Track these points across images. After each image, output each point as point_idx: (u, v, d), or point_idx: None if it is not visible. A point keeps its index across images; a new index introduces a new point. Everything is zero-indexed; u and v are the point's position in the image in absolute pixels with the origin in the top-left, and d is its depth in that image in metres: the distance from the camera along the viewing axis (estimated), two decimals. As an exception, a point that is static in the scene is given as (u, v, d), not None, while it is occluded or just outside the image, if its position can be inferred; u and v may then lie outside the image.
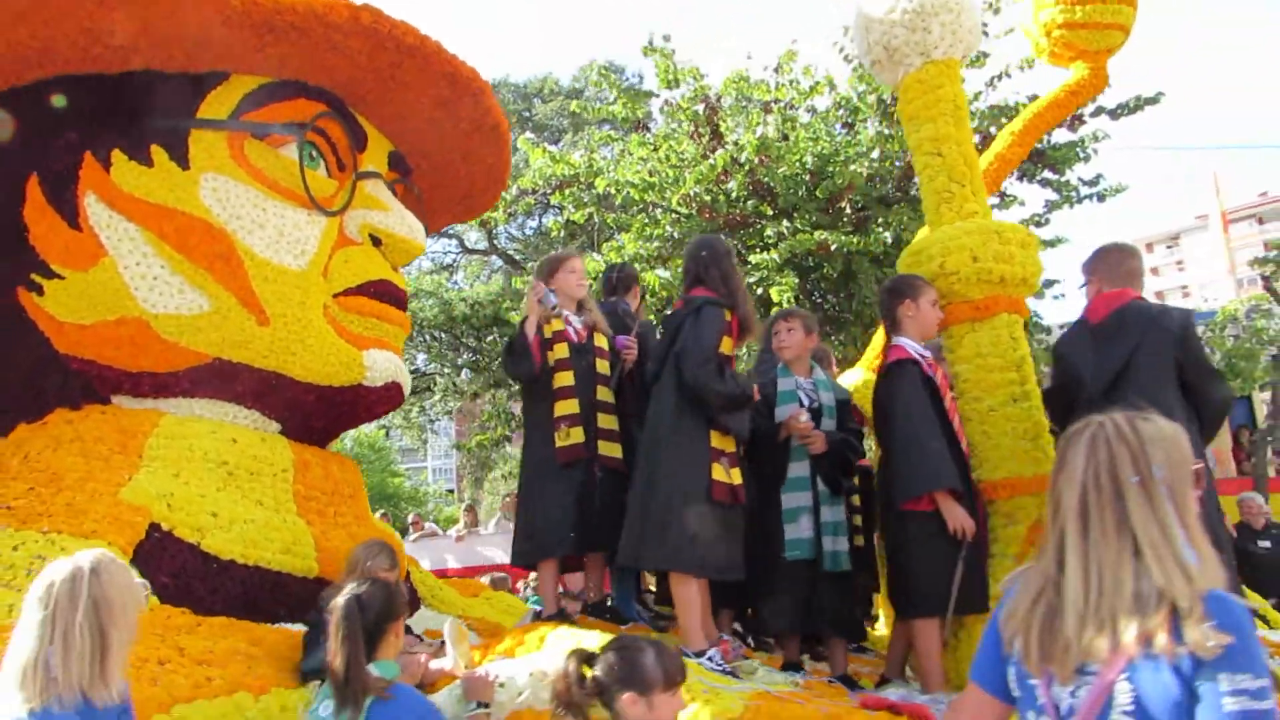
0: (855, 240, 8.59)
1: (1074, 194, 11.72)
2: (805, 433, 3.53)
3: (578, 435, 3.65)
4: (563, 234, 14.21)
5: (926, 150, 3.62)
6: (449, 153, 5.15)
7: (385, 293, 4.60)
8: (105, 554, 2.04)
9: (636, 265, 9.97)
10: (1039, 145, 10.81)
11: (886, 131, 9.80)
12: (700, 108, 9.97)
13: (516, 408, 12.77)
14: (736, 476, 3.29)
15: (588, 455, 3.66)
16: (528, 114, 26.83)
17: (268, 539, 3.90)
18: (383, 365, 4.46)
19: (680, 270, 9.38)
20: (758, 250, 8.71)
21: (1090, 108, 10.54)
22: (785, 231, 8.71)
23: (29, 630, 1.94)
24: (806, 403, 3.66)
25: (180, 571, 3.60)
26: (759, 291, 8.46)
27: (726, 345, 3.34)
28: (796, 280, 8.30)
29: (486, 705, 2.60)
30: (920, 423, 3.18)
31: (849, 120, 10.62)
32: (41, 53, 4.06)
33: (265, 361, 4.16)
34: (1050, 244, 12.78)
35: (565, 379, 3.77)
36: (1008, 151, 5.37)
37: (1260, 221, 50.26)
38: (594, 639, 2.83)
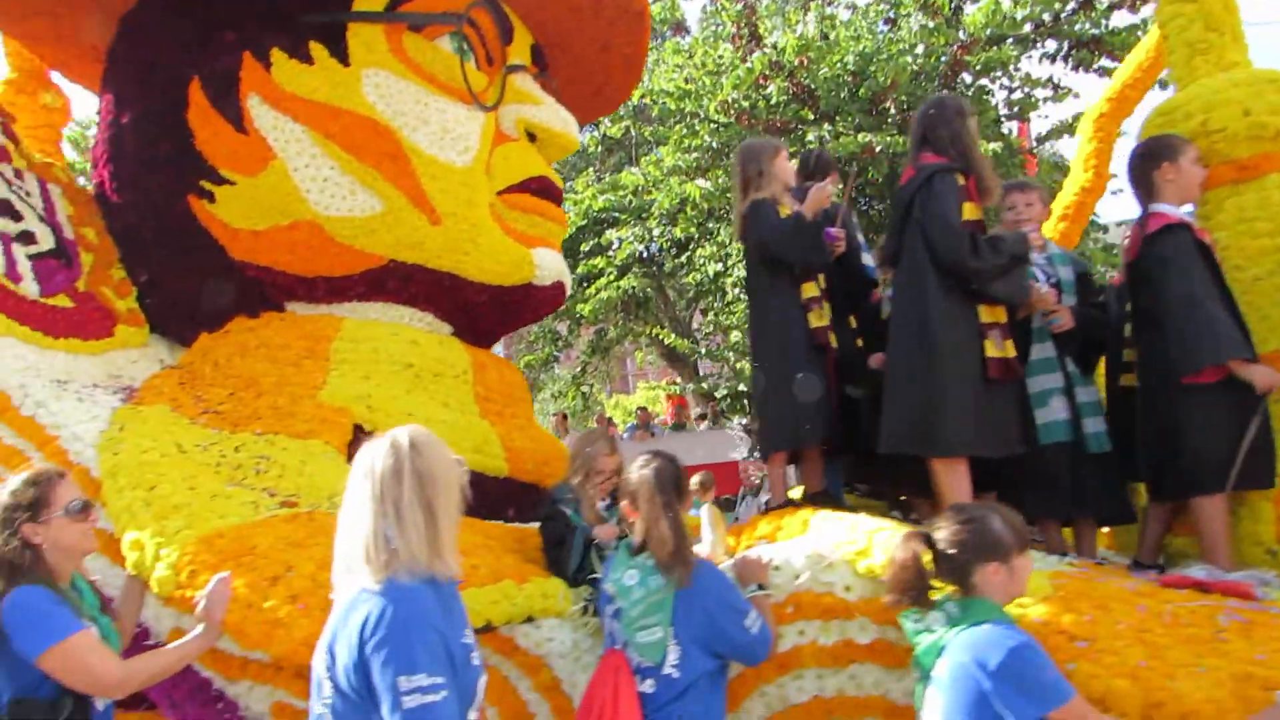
0: (901, 141, 8.18)
1: None
2: (1050, 305, 3.37)
3: (827, 316, 3.53)
4: (599, 149, 13.84)
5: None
6: (588, 44, 4.95)
7: (545, 189, 4.49)
8: (421, 429, 1.98)
9: (675, 179, 9.70)
10: (1097, 31, 10.27)
11: (930, 25, 9.29)
12: (739, 6, 9.52)
13: (562, 328, 12.71)
14: (1010, 349, 3.14)
15: (827, 342, 3.54)
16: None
17: (460, 440, 3.87)
18: (550, 264, 4.38)
19: (721, 180, 9.20)
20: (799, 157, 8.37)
21: None
22: (827, 135, 8.33)
23: (361, 508, 1.90)
24: (1044, 278, 3.50)
25: (390, 471, 3.59)
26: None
27: (970, 211, 3.16)
28: (840, 186, 7.96)
29: (763, 588, 2.57)
30: (1201, 289, 2.99)
31: (891, 16, 10.09)
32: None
33: (439, 262, 4.09)
34: None
35: None
36: (1145, 66, 4.96)
37: None
38: (861, 522, 2.77)
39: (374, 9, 4.06)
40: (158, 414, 3.33)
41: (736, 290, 9.55)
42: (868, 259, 3.92)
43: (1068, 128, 11.58)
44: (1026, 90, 10.75)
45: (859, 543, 2.62)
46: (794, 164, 3.86)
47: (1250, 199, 3.18)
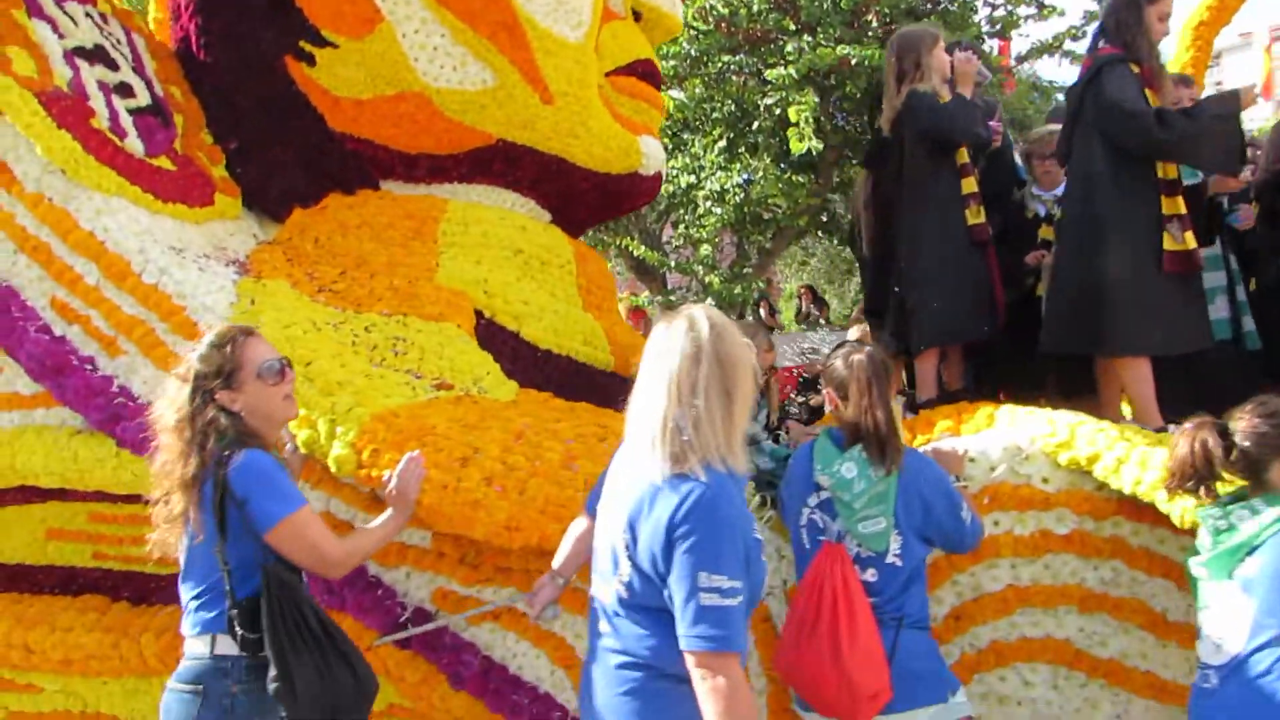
0: (879, 55, 7.97)
1: None
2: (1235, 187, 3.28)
3: (982, 214, 3.42)
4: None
5: None
6: None
7: (650, 74, 4.27)
8: (718, 312, 1.85)
9: None
10: None
11: (917, -64, 8.97)
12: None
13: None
14: (1191, 241, 3.04)
15: (986, 238, 3.45)
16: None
17: (571, 331, 3.75)
18: (655, 153, 4.19)
19: (697, 90, 8.92)
20: (778, 67, 8.10)
21: None
22: (806, 46, 8.10)
23: (656, 391, 1.78)
24: None
25: (514, 358, 3.45)
26: (777, 112, 7.95)
27: (1151, 100, 3.05)
28: (817, 99, 7.75)
29: (959, 479, 2.52)
30: None
31: (877, -74, 9.72)
32: None
33: (548, 144, 3.87)
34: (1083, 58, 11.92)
35: (964, 155, 3.48)
36: None
37: None
38: (1059, 415, 2.72)
39: None
40: (282, 289, 3.12)
41: (708, 203, 9.38)
42: (1016, 157, 3.80)
43: (1048, 47, 11.53)
44: (1009, 8, 10.64)
45: (1060, 435, 2.59)
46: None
47: None
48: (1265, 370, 3.44)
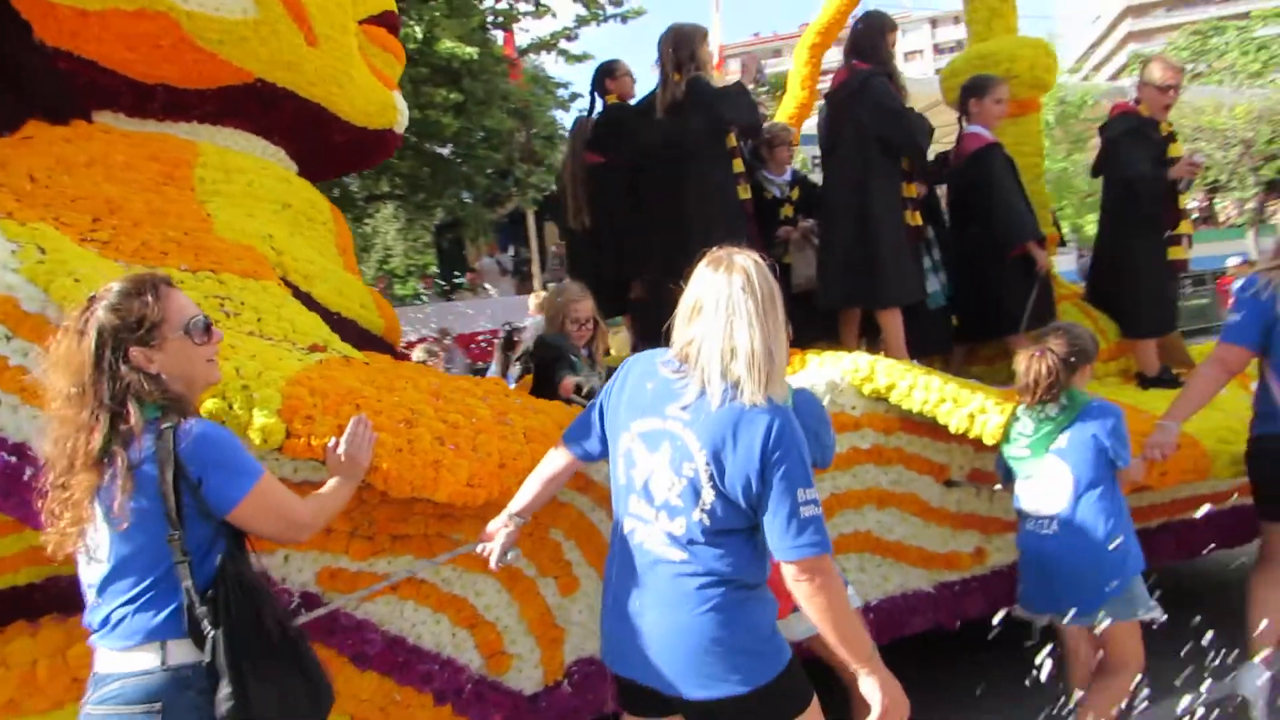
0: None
1: (601, 13, 13.23)
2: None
3: (748, 190, 4.02)
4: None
5: None
6: None
7: (395, 25, 4.10)
8: (752, 253, 2.04)
9: None
10: None
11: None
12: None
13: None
14: (919, 219, 4.01)
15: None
16: None
17: (350, 292, 3.54)
18: (404, 109, 4.05)
19: None
20: None
21: None
22: None
23: (740, 322, 1.89)
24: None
25: (316, 320, 3.17)
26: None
27: None
28: None
29: None
30: (1015, 194, 4.11)
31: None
32: None
33: (311, 90, 3.56)
34: (578, 59, 14.09)
35: (732, 140, 4.02)
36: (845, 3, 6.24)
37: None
38: (859, 355, 3.34)
39: None
40: (58, 236, 2.52)
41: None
42: None
43: (546, 44, 13.39)
44: (510, 2, 12.30)
45: (863, 370, 3.22)
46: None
47: (1021, 129, 4.44)
48: (959, 331, 4.59)
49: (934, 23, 71.22)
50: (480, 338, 12.12)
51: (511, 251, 16.81)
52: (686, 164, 3.95)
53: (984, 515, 3.50)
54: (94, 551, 1.80)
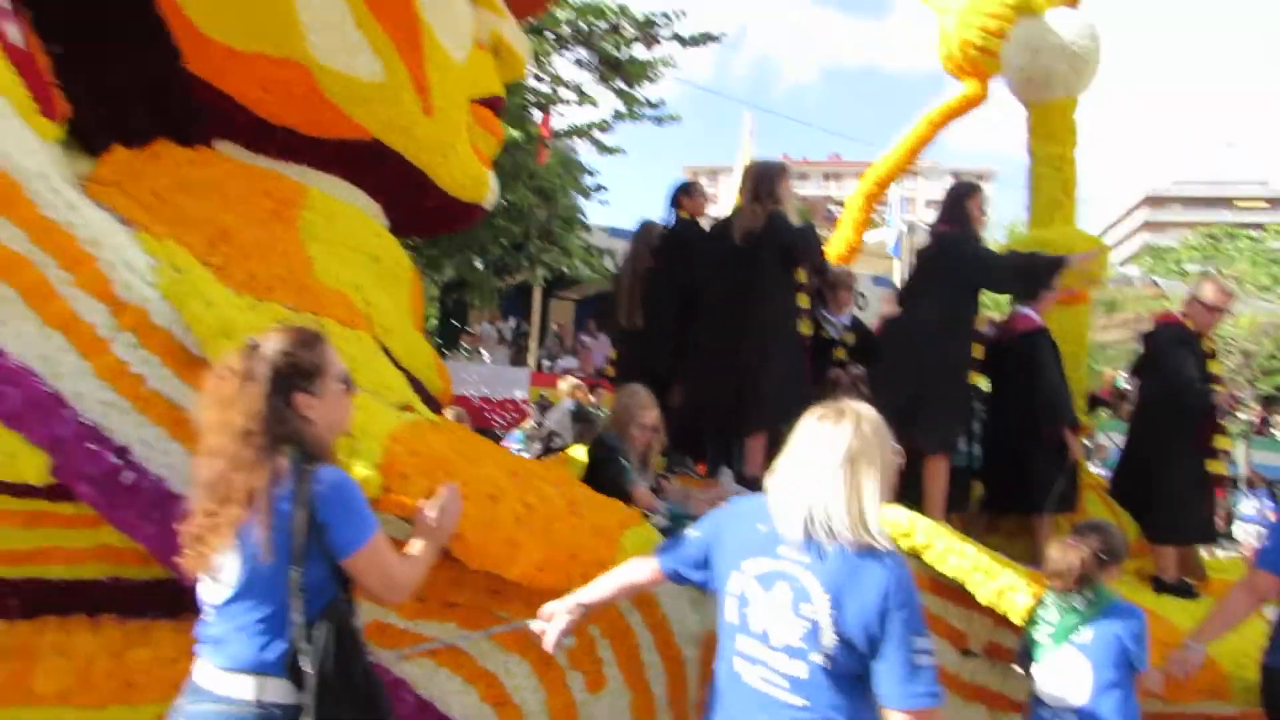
0: None
1: (640, 112, 13.76)
2: None
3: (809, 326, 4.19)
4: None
5: (1050, 164, 4.70)
6: None
7: (498, 108, 4.33)
8: (867, 405, 2.17)
9: None
10: (617, 56, 12.36)
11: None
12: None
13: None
14: None
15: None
16: None
17: (417, 351, 3.66)
18: (495, 188, 4.25)
19: None
20: None
21: (667, 32, 12.36)
22: None
23: (859, 468, 2.00)
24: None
25: (396, 376, 3.28)
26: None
27: None
28: None
29: None
30: (1059, 377, 4.35)
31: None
32: None
33: (418, 156, 3.75)
34: (611, 151, 14.67)
35: (803, 275, 4.27)
36: (903, 157, 6.63)
37: None
38: (904, 512, 3.45)
39: None
40: (188, 257, 2.64)
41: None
42: None
43: (581, 131, 13.74)
44: (554, 86, 12.45)
45: (903, 525, 3.34)
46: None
47: (1069, 317, 4.70)
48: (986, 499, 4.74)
49: (956, 176, 74.39)
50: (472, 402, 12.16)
51: (513, 322, 16.98)
52: (754, 291, 4.16)
53: (995, 690, 3.53)
54: (220, 575, 1.87)
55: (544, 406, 9.17)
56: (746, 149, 17.40)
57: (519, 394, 13.71)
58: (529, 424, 9.39)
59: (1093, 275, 4.81)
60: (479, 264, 15.07)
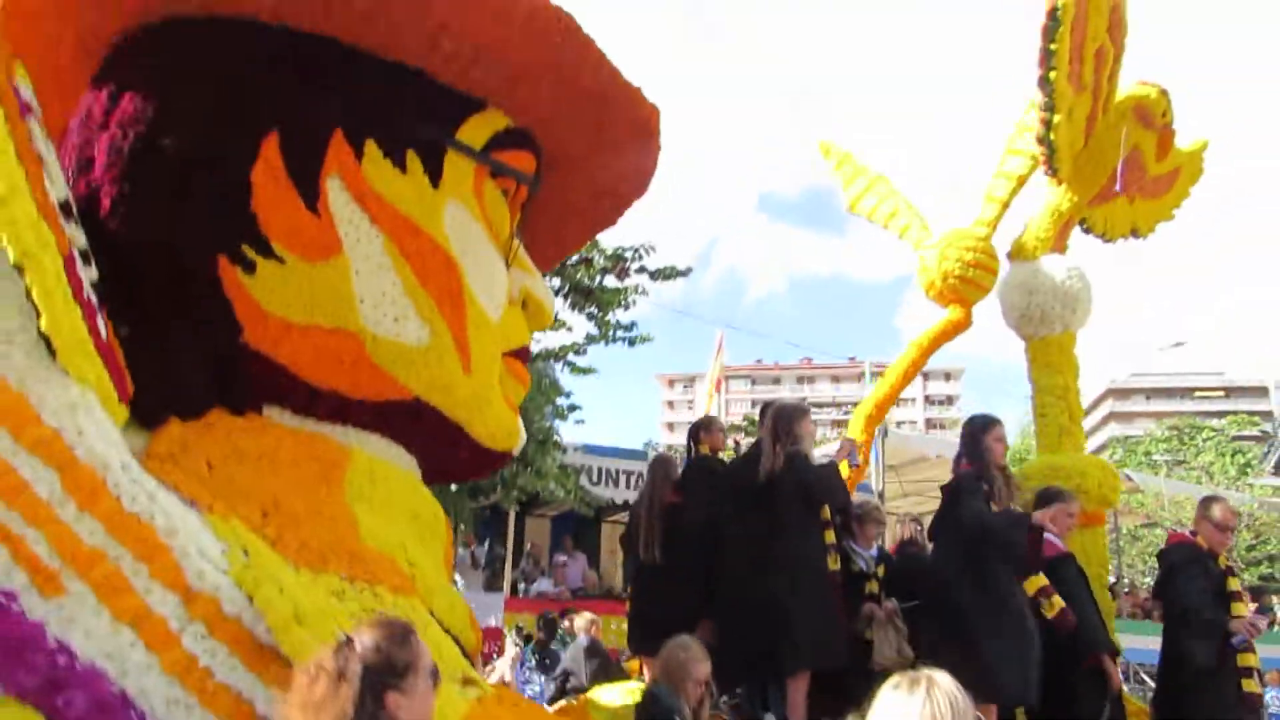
0: None
1: (611, 334, 14.26)
2: None
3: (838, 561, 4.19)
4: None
5: (1054, 394, 4.93)
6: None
7: (525, 358, 4.50)
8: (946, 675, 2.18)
9: None
10: (590, 285, 13.03)
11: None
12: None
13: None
14: None
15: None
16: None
17: (456, 609, 3.62)
18: (523, 435, 4.35)
19: None
20: None
21: (635, 265, 13.20)
22: None
23: None
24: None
25: (438, 642, 3.22)
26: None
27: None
28: None
29: None
30: (1090, 605, 4.32)
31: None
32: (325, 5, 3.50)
33: (455, 412, 3.86)
34: (584, 371, 15.04)
35: (827, 512, 4.24)
36: (898, 382, 6.93)
37: (753, 382, 63.74)
38: None
39: (474, 144, 3.94)
40: (255, 539, 2.67)
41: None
42: None
43: (554, 354, 14.24)
44: None
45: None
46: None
47: (1088, 539, 4.75)
48: None
49: (925, 376, 76.65)
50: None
51: (486, 545, 16.64)
52: (778, 529, 4.21)
53: None
54: None
55: (527, 637, 8.87)
56: (718, 363, 18.05)
57: (494, 621, 13.27)
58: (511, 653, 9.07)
59: (1106, 497, 4.93)
60: (453, 485, 15.03)
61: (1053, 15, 5.11)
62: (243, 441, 3.30)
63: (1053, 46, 5.21)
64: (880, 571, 4.81)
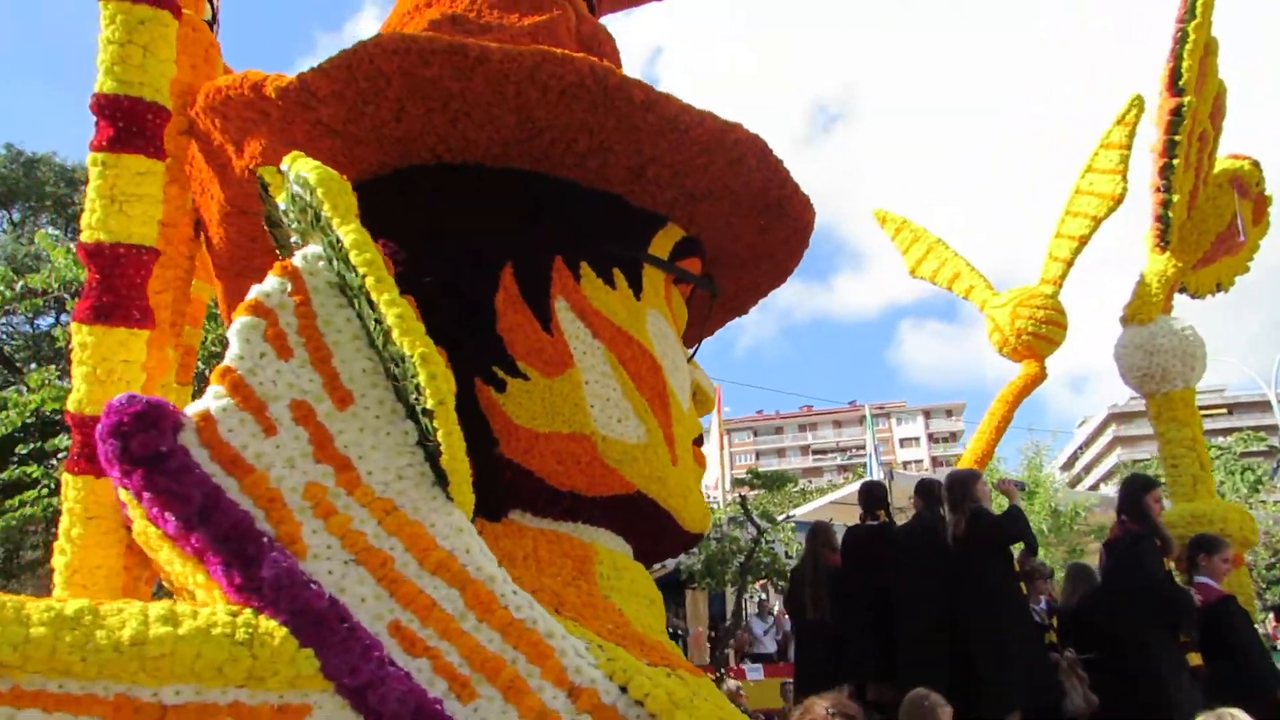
0: None
1: None
2: None
3: None
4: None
5: (1184, 445, 5.33)
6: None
7: (702, 445, 4.85)
8: None
9: None
10: None
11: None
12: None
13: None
14: None
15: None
16: (70, 200, 23.87)
17: (684, 688, 3.88)
18: (711, 518, 4.67)
19: None
20: None
21: None
22: None
23: None
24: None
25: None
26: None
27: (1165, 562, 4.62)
28: None
29: None
30: (1256, 645, 4.66)
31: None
32: (530, 140, 3.92)
33: (669, 501, 4.18)
34: None
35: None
36: (993, 436, 7.33)
37: (754, 433, 63.93)
38: None
39: (661, 256, 4.34)
40: (595, 637, 2.97)
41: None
42: None
43: None
44: None
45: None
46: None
47: (1235, 580, 5.09)
48: None
49: (927, 414, 77.38)
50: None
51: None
52: (973, 583, 4.53)
53: None
54: None
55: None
56: (718, 419, 18.18)
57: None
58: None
59: (1248, 539, 5.28)
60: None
61: (1177, 111, 5.77)
62: (506, 545, 3.60)
63: (1177, 138, 5.85)
64: (1054, 622, 5.13)
